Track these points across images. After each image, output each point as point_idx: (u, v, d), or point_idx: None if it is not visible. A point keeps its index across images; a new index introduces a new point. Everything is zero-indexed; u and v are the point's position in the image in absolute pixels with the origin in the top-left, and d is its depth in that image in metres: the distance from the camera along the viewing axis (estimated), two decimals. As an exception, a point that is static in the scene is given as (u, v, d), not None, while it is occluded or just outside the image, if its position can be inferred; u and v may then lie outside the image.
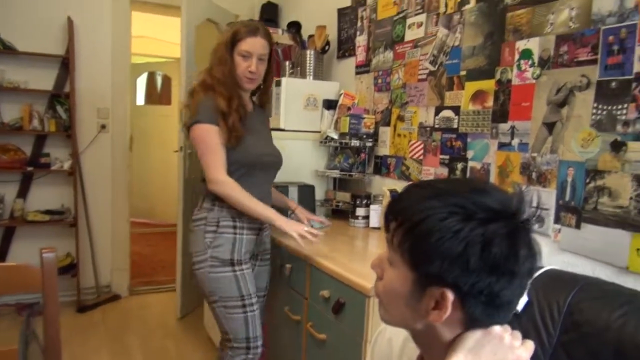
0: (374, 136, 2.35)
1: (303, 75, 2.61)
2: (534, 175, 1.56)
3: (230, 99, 1.72)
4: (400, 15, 2.19)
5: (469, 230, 0.64)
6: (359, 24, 2.52)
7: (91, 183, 3.47)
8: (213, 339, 2.79)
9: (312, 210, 2.26)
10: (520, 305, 1.31)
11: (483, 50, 1.75)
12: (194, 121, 1.70)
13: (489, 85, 1.73)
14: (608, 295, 1.21)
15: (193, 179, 3.18)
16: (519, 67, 1.61)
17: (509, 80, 1.65)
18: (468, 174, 1.82)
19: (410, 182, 0.76)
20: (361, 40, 2.50)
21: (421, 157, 2.06)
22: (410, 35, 2.13)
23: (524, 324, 1.30)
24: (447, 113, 1.92)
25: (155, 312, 3.44)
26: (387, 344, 0.94)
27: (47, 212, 3.29)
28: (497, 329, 0.70)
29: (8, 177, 3.28)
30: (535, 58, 1.55)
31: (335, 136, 2.39)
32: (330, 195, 2.50)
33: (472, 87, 1.80)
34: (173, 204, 3.57)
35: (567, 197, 1.45)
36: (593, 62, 1.38)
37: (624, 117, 1.30)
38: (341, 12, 2.66)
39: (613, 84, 1.33)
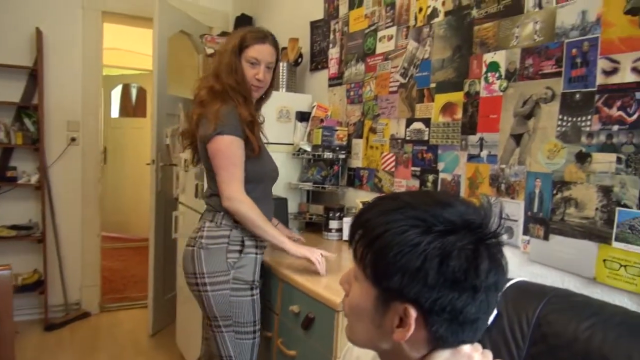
0: (347, 148, 2.35)
1: (276, 87, 2.59)
2: (502, 186, 1.57)
3: (251, 108, 1.66)
4: (372, 28, 2.20)
5: (427, 244, 0.62)
6: (331, 36, 2.52)
7: (60, 197, 3.38)
8: (185, 357, 2.72)
9: (286, 223, 2.24)
10: (490, 319, 1.30)
11: (452, 63, 1.77)
12: (217, 132, 1.58)
13: (458, 97, 1.74)
14: (576, 306, 1.20)
15: (165, 192, 3.12)
16: (486, 79, 1.63)
17: (477, 93, 1.66)
18: (439, 186, 1.82)
19: (379, 195, 0.74)
20: (334, 52, 2.50)
21: (393, 169, 2.06)
22: (381, 48, 2.14)
23: (493, 337, 1.29)
24: (417, 125, 1.92)
25: (126, 329, 3.35)
26: None
27: (14, 227, 3.20)
28: (466, 348, 0.68)
29: (-28, 191, 3.18)
30: (502, 71, 1.57)
31: (308, 148, 2.37)
32: (304, 208, 2.48)
33: (441, 99, 1.81)
34: (147, 217, 3.50)
35: (535, 209, 1.46)
36: (557, 74, 1.39)
37: (588, 129, 1.31)
38: (314, 25, 2.66)
39: (577, 96, 1.34)
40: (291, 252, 1.64)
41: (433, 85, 1.85)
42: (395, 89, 2.05)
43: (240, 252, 1.65)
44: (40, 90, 3.16)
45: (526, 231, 1.49)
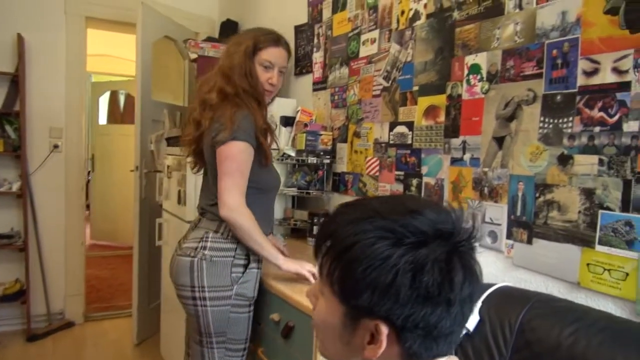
0: (332, 153, 2.32)
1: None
2: (485, 190, 1.54)
3: (264, 114, 1.60)
4: (355, 31, 2.18)
5: (398, 257, 0.58)
6: (315, 40, 2.50)
7: (43, 205, 3.32)
8: (169, 367, 2.66)
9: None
10: (472, 325, 1.27)
11: (434, 66, 1.74)
12: (232, 137, 1.49)
13: (440, 100, 1.71)
14: (559, 312, 1.18)
15: (149, 199, 3.08)
16: (468, 82, 1.61)
17: (460, 95, 1.64)
18: (423, 191, 1.79)
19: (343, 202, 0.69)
20: (318, 57, 2.48)
21: (377, 174, 2.03)
22: (364, 51, 2.12)
23: (476, 344, 1.26)
24: (401, 129, 1.90)
25: (111, 339, 3.29)
26: None
27: (-6, 236, 3.14)
28: None
29: (-49, 200, 3.12)
30: (484, 73, 1.55)
31: (293, 153, 2.34)
32: (289, 214, 2.44)
33: (424, 102, 1.79)
34: (133, 225, 3.44)
35: (519, 212, 1.43)
36: (538, 76, 1.37)
37: (569, 131, 1.29)
38: (298, 29, 2.64)
39: (558, 97, 1.32)
40: (283, 268, 1.57)
41: (416, 88, 1.83)
42: (378, 92, 2.02)
43: (246, 266, 1.58)
44: (22, 97, 3.11)
45: (510, 235, 1.46)
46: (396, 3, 1.93)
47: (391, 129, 1.95)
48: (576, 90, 1.28)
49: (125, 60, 5.91)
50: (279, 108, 2.47)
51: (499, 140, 1.49)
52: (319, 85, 2.47)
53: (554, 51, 1.33)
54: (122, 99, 6.51)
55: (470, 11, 1.59)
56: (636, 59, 1.15)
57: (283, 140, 2.45)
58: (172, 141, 2.68)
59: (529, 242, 1.40)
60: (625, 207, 1.17)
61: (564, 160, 1.30)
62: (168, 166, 2.59)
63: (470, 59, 1.60)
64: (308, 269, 1.58)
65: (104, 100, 6.56)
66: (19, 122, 3.12)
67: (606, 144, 1.21)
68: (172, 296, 1.65)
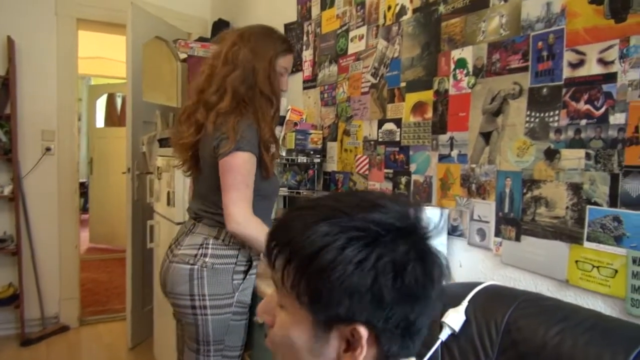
0: (322, 152, 2.29)
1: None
2: (473, 187, 1.51)
3: (275, 123, 1.56)
4: (343, 28, 2.15)
5: (376, 259, 0.55)
6: (304, 38, 2.47)
7: (36, 208, 3.30)
8: (162, 370, 2.64)
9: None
10: (457, 325, 1.24)
11: (421, 61, 1.71)
12: (236, 147, 1.42)
13: (427, 96, 1.68)
14: (546, 311, 1.14)
15: (142, 202, 3.05)
16: (454, 76, 1.57)
17: (446, 91, 1.60)
18: (412, 188, 1.76)
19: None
20: (307, 55, 2.45)
21: (367, 172, 2.00)
22: (352, 48, 2.09)
23: (462, 345, 1.23)
24: (389, 126, 1.87)
25: (105, 342, 3.26)
26: None
27: (-13, 240, 3.12)
28: None
29: (-57, 204, 3.10)
30: (470, 67, 1.51)
31: (283, 153, 2.31)
32: (280, 215, 2.41)
33: (412, 98, 1.75)
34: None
35: (506, 209, 1.40)
36: (524, 69, 1.34)
37: (556, 124, 1.26)
38: (288, 27, 2.61)
39: (544, 90, 1.29)
40: None
41: (403, 84, 1.79)
42: (367, 89, 1.99)
43: (246, 272, 1.54)
44: (12, 100, 3.09)
45: (498, 233, 1.43)
46: (383, -2, 1.90)
47: (380, 126, 1.92)
48: (562, 82, 1.24)
49: (122, 62, 5.89)
50: (268, 107, 2.44)
51: (486, 136, 1.46)
52: (309, 83, 2.44)
53: (540, 43, 1.30)
54: (119, 101, 6.50)
55: (456, 4, 1.56)
56: (621, 49, 1.11)
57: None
58: (164, 142, 2.65)
59: (517, 239, 1.37)
60: (613, 202, 1.14)
61: (551, 155, 1.27)
62: (158, 167, 2.57)
63: (456, 54, 1.56)
64: None
65: (101, 103, 6.55)
66: (9, 125, 3.10)
67: (593, 137, 1.17)
68: (165, 299, 1.60)
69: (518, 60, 1.36)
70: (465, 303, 1.27)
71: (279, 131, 2.41)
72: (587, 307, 1.19)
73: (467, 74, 1.53)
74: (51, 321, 3.39)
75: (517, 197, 1.37)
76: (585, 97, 1.19)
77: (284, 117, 2.43)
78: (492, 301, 1.25)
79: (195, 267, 1.47)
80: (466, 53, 1.52)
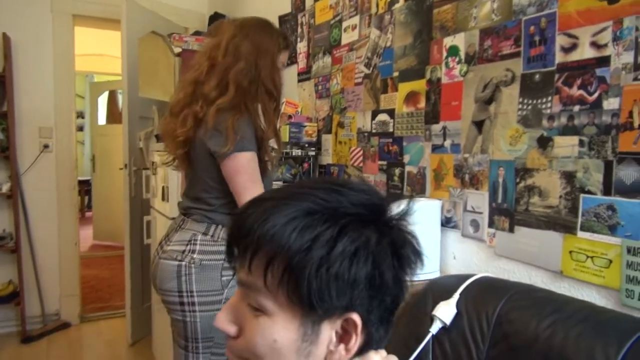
0: (317, 145, 2.26)
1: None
2: (467, 177, 1.48)
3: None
4: (336, 18, 2.12)
5: (376, 243, 0.53)
6: (299, 30, 2.44)
7: (34, 206, 3.29)
8: (160, 366, 2.63)
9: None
10: (449, 318, 1.21)
11: (413, 50, 1.68)
12: (235, 149, 1.38)
13: (420, 85, 1.65)
14: (538, 303, 1.11)
15: (139, 197, 3.04)
16: (447, 64, 1.54)
17: (439, 79, 1.57)
18: (405, 180, 1.73)
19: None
20: (302, 46, 2.42)
21: (361, 164, 1.97)
22: (346, 38, 2.05)
23: (453, 338, 1.20)
24: (382, 117, 1.83)
25: (106, 339, 3.26)
26: None
27: (-15, 238, 3.12)
28: (374, 358, 0.59)
29: (-59, 202, 3.10)
30: (462, 54, 1.48)
31: (276, 146, 2.28)
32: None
33: (404, 88, 1.72)
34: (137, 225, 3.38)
35: (500, 199, 1.37)
36: (516, 54, 1.30)
37: (548, 111, 1.22)
38: (282, 19, 2.58)
39: (536, 76, 1.25)
40: None
41: (396, 74, 1.76)
42: (360, 80, 1.96)
43: (236, 269, 1.51)
44: (9, 97, 3.08)
45: (491, 224, 1.40)
46: (375, -14, 1.86)
47: (373, 117, 1.89)
48: (554, 68, 1.20)
49: (122, 59, 5.88)
50: (263, 100, 2.41)
51: (479, 125, 1.43)
52: (304, 75, 2.41)
53: (532, 28, 1.26)
54: (120, 98, 6.49)
55: (448, -10, 1.52)
56: (615, 31, 1.07)
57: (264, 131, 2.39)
58: (161, 138, 2.63)
59: (511, 230, 1.33)
60: (607, 190, 1.10)
61: (544, 143, 1.23)
62: (153, 162, 2.55)
63: (448, 41, 1.53)
64: None
65: (102, 101, 6.55)
66: (6, 122, 3.09)
67: (586, 123, 1.14)
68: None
69: (510, 46, 1.32)
70: (456, 296, 1.24)
71: (274, 124, 2.38)
72: (582, 298, 1.16)
73: (459, 62, 1.49)
74: (52, 318, 3.39)
75: (510, 187, 1.33)
76: (578, 82, 1.15)
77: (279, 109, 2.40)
78: (483, 294, 1.22)
79: (183, 263, 1.45)
80: (458, 40, 1.49)
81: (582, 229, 1.15)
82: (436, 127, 1.58)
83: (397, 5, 1.75)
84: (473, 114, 1.44)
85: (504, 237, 1.36)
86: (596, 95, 1.11)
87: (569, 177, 1.18)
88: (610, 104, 1.08)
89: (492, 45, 1.37)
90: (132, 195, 3.04)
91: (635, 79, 1.04)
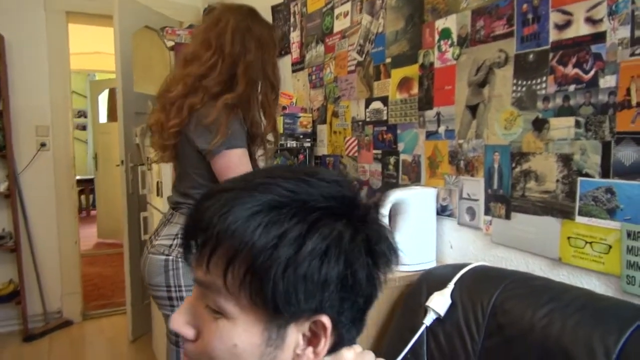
0: (312, 135, 2.21)
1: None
2: (462, 163, 1.43)
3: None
4: (329, 6, 2.07)
5: (349, 240, 0.48)
6: (291, 19, 2.39)
7: (33, 205, 3.27)
8: (160, 363, 2.61)
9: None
10: (443, 309, 1.17)
11: (405, 34, 1.63)
12: (226, 146, 1.35)
13: (413, 71, 1.60)
14: (534, 292, 1.07)
15: (137, 194, 3.01)
16: (439, 48, 1.49)
17: (432, 64, 1.52)
18: (400, 169, 1.68)
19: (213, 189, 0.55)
20: (295, 36, 2.37)
21: (356, 154, 1.92)
22: (338, 26, 2.00)
23: (447, 329, 1.16)
24: (376, 105, 1.79)
25: (107, 336, 3.24)
26: None
27: (-16, 237, 3.11)
28: (347, 355, 0.55)
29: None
30: (454, 37, 1.43)
31: (271, 138, 2.24)
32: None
33: (397, 74, 1.67)
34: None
35: (495, 185, 1.32)
36: (509, 34, 1.25)
37: (543, 92, 1.17)
38: (275, 9, 2.53)
39: (530, 56, 1.20)
40: None
41: (388, 60, 1.71)
42: (353, 68, 1.91)
43: None
44: (4, 96, 3.05)
45: (487, 211, 1.35)
46: (366, -29, 1.81)
47: (367, 105, 1.84)
48: (549, 46, 1.15)
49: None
50: (257, 92, 2.37)
51: (473, 109, 1.38)
52: (298, 66, 2.36)
53: (524, 6, 1.21)
54: (121, 96, 6.48)
55: (438, -29, 1.47)
56: (610, 5, 1.02)
57: (263, 126, 2.35)
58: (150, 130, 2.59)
59: (507, 217, 1.29)
60: (605, 172, 1.05)
61: (539, 125, 1.19)
62: (148, 158, 2.52)
63: (440, 23, 1.48)
64: None
65: (103, 99, 6.53)
66: (2, 121, 3.07)
67: (582, 103, 1.09)
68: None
69: (503, 25, 1.27)
70: (451, 286, 1.20)
71: (269, 116, 2.34)
72: (581, 286, 1.12)
73: (451, 45, 1.44)
74: (54, 316, 3.38)
75: (506, 172, 1.28)
76: (574, 60, 1.10)
77: (274, 101, 2.36)
78: (479, 283, 1.18)
79: (170, 257, 1.42)
80: (450, 22, 1.44)
81: (580, 213, 1.10)
82: (430, 113, 1.53)
83: (388, -11, 1.70)
84: (467, 98, 1.39)
85: (500, 224, 1.32)
86: (592, 73, 1.06)
87: (565, 160, 1.13)
88: (607, 81, 1.03)
89: (485, 25, 1.32)
90: (130, 191, 3.02)
91: (633, 54, 0.99)
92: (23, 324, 3.16)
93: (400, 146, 1.67)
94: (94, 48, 5.98)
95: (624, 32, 1.00)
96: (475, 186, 1.39)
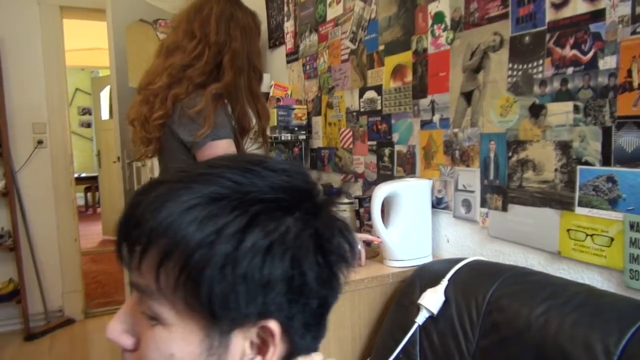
0: (308, 128, 2.15)
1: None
2: (457, 153, 1.36)
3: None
4: (321, -8, 2.00)
5: (296, 236, 0.43)
6: (285, 9, 2.32)
7: (32, 203, 3.25)
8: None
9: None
10: (435, 307, 1.12)
11: (398, 20, 1.56)
12: (211, 137, 1.30)
13: (406, 58, 1.53)
14: (531, 288, 1.01)
15: (133, 190, 2.97)
16: (432, 33, 1.42)
17: (425, 50, 1.45)
18: (395, 160, 1.62)
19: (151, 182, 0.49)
20: (289, 26, 2.30)
21: (351, 146, 1.86)
22: (331, 13, 1.94)
23: (440, 328, 1.11)
24: (370, 94, 1.72)
25: (108, 335, 3.22)
26: None
27: (-18, 236, 3.09)
28: None
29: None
30: (448, 21, 1.36)
31: (267, 131, 2.18)
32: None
33: (391, 61, 1.60)
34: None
35: (492, 176, 1.25)
36: (504, 16, 1.18)
37: (540, 76, 1.10)
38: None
39: (526, 38, 1.13)
40: None
41: (382, 47, 1.64)
42: (346, 57, 1.85)
43: None
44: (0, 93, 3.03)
45: (484, 203, 1.29)
46: (357, -45, 1.74)
47: (361, 95, 1.78)
48: (545, 27, 1.08)
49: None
50: (251, 84, 2.31)
51: (467, 96, 1.31)
52: (292, 56, 2.30)
53: (519, -16, 1.14)
54: (123, 92, 6.45)
55: (430, -49, 1.40)
56: (609, -20, 0.95)
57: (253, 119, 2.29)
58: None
59: (504, 209, 1.22)
60: (605, 160, 0.98)
61: (536, 111, 1.12)
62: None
63: (433, 7, 1.41)
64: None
65: (105, 95, 6.50)
66: (-2, 119, 3.04)
67: (581, 87, 1.02)
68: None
69: (497, 7, 1.20)
70: (444, 282, 1.14)
71: (263, 109, 2.29)
72: (582, 281, 1.05)
73: (445, 29, 1.37)
74: (55, 315, 3.36)
75: (502, 162, 1.22)
76: (571, 41, 1.03)
77: (268, 93, 2.30)
78: (473, 279, 1.12)
79: None
80: (443, 5, 1.37)
81: (580, 204, 1.04)
82: (424, 102, 1.47)
83: (380, -27, 1.63)
84: (461, 85, 1.32)
85: (497, 216, 1.25)
86: (591, 54, 0.99)
87: (564, 147, 1.06)
88: (607, 62, 0.96)
89: (479, 7, 1.25)
90: (127, 188, 2.98)
91: (634, 32, 0.92)
92: (24, 323, 3.15)
93: (395, 137, 1.61)
94: (95, 44, 5.94)
95: (625, 9, 0.93)
96: (470, 177, 1.32)
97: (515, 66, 1.16)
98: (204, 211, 0.42)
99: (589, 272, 1.05)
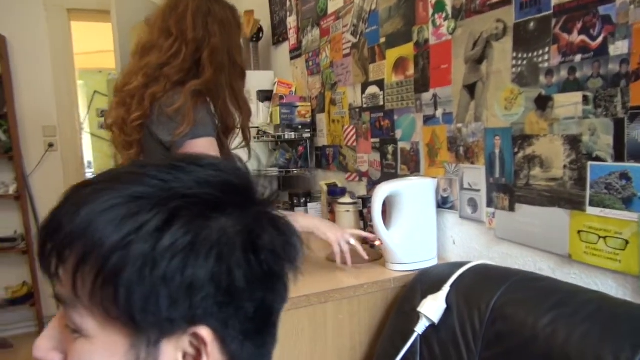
0: (312, 126, 2.09)
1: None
2: (461, 150, 1.29)
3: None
4: (322, -15, 1.94)
5: (221, 233, 0.39)
6: (288, 4, 2.26)
7: (44, 206, 3.26)
8: None
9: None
10: (436, 315, 1.04)
11: (399, 10, 1.48)
12: (190, 136, 1.23)
13: (408, 50, 1.46)
14: (538, 295, 0.93)
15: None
16: (434, 23, 1.34)
17: (427, 41, 1.37)
18: (399, 158, 1.55)
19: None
20: (292, 21, 2.24)
21: (355, 144, 1.79)
22: (332, 6, 1.87)
23: (442, 337, 1.04)
24: (372, 89, 1.65)
25: (122, 337, 3.22)
26: None
27: (-3, 240, 3.11)
28: None
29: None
30: (449, 9, 1.28)
31: (271, 130, 2.13)
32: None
33: (392, 54, 1.53)
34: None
35: (497, 173, 1.17)
36: (507, 1, 1.10)
37: (546, 65, 1.02)
38: (271, -6, 2.41)
39: (531, 25, 1.05)
40: (303, 223, 1.34)
41: (383, 40, 1.57)
42: (348, 51, 1.78)
43: None
44: (8, 98, 3.03)
45: (490, 202, 1.21)
46: (357, -56, 1.67)
47: (363, 90, 1.71)
48: (551, 11, 1.00)
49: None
50: (254, 82, 2.26)
51: (471, 89, 1.23)
52: (295, 52, 2.24)
53: (522, -33, 1.05)
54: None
55: (430, -63, 1.32)
56: (619, -43, 0.86)
57: (262, 117, 2.24)
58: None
59: (511, 209, 1.14)
60: (618, 155, 0.90)
61: (543, 103, 1.04)
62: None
63: (433, -5, 1.33)
64: (347, 238, 1.31)
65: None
66: (7, 123, 3.05)
67: (590, 75, 0.93)
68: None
69: (500, -9, 1.12)
70: (446, 288, 1.07)
71: (268, 107, 2.24)
72: (595, 287, 0.97)
73: (446, 18, 1.29)
74: (70, 317, 3.38)
75: (508, 158, 1.14)
76: (579, 25, 0.95)
77: (271, 91, 2.24)
78: (477, 285, 1.05)
79: None
80: (443, -7, 1.29)
81: (592, 204, 0.95)
82: (427, 96, 1.39)
83: (379, -38, 1.55)
84: (464, 77, 1.24)
85: (504, 217, 1.17)
86: (600, 39, 0.91)
87: (573, 141, 0.98)
88: (618, 48, 0.88)
89: (480, -7, 1.17)
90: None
91: (647, 13, 0.83)
92: (38, 326, 3.17)
93: (398, 133, 1.54)
94: (110, 46, 5.97)
95: (637, -12, 0.84)
96: (476, 175, 1.24)
97: (520, 55, 1.08)
98: (123, 210, 0.38)
99: (602, 278, 0.97)
